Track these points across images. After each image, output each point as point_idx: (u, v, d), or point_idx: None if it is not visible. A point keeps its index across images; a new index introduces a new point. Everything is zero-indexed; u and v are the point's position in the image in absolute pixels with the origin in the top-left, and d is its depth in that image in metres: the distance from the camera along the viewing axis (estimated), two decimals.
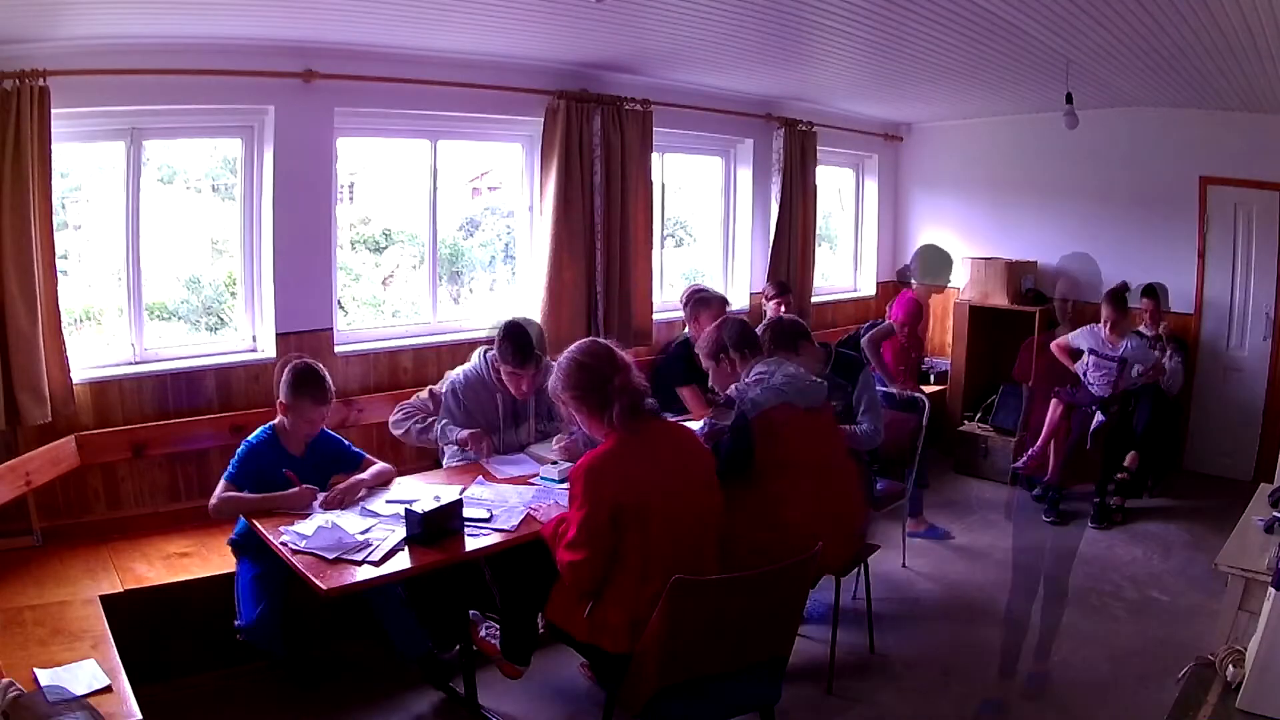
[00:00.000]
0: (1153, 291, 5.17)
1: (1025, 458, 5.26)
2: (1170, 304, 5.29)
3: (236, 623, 2.83)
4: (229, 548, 3.01)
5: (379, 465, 3.12)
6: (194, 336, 3.98)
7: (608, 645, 2.35)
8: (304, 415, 2.95)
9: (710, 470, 2.54)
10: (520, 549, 2.69)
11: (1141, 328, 5.24)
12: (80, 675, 2.31)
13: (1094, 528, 4.70)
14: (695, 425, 3.13)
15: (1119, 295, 5.12)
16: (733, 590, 2.26)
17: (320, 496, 2.87)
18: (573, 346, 2.52)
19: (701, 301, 4.57)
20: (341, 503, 2.86)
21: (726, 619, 2.24)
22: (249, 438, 2.99)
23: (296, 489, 2.86)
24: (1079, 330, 5.28)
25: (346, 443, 3.16)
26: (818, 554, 2.33)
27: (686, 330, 4.57)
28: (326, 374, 3.01)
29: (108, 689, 2.26)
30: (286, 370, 2.98)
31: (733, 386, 2.98)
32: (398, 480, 3.12)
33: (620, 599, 2.32)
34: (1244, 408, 5.44)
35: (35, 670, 2.33)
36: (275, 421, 3.01)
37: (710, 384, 3.24)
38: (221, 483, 2.89)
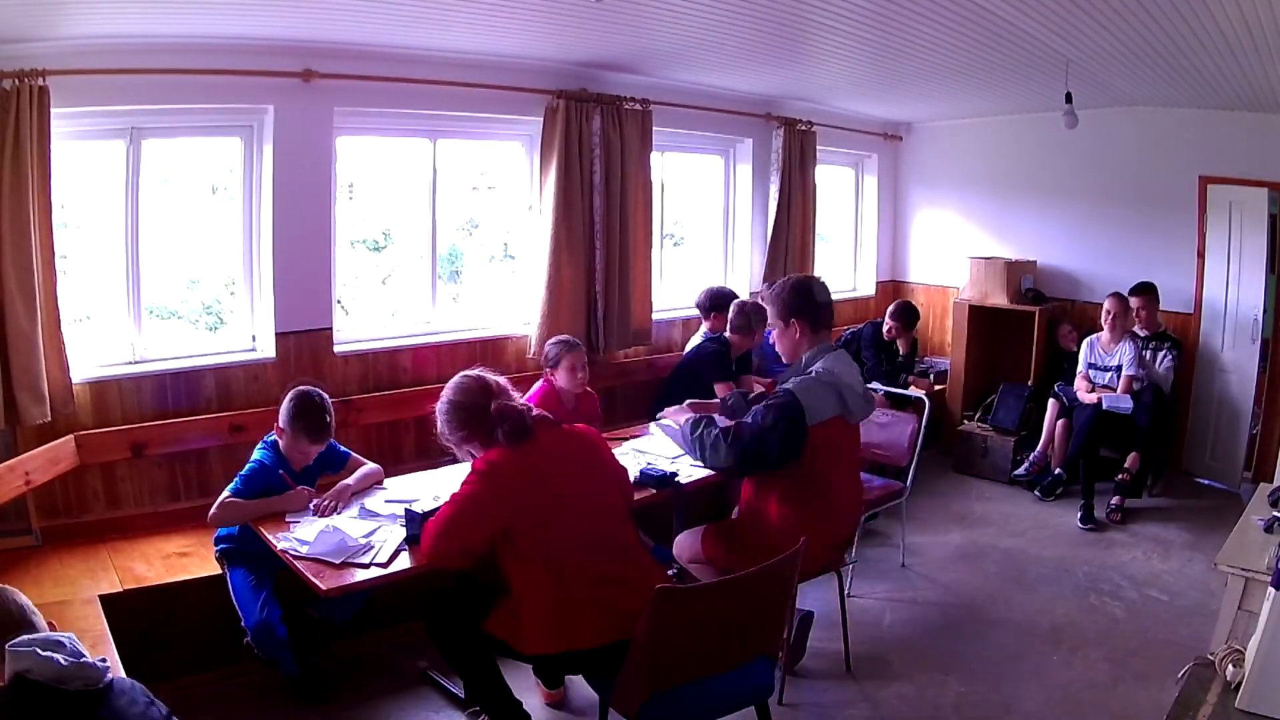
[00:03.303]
0: (1146, 289, 5.18)
1: (1027, 464, 5.27)
2: (1160, 302, 5.28)
3: (244, 626, 2.82)
4: (217, 560, 3.01)
5: (366, 467, 3.12)
6: (193, 336, 3.97)
7: (520, 647, 2.34)
8: (298, 447, 2.97)
9: (615, 466, 2.58)
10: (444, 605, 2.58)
11: (1135, 328, 5.24)
12: None
13: (1081, 528, 4.69)
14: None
15: (1123, 295, 5.15)
16: (718, 594, 2.24)
17: (312, 504, 2.88)
18: (446, 387, 2.49)
19: (724, 303, 4.63)
20: (334, 509, 2.86)
21: (713, 623, 2.22)
22: (256, 455, 2.98)
23: (294, 490, 2.88)
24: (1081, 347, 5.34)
25: (335, 444, 3.16)
26: (801, 551, 2.31)
27: (703, 327, 4.71)
28: (329, 406, 3.00)
29: None
30: (289, 396, 2.97)
31: (792, 381, 2.80)
32: (390, 481, 3.12)
33: (535, 604, 2.31)
34: (1231, 411, 5.33)
35: None
36: (280, 439, 3.01)
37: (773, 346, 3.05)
38: (225, 494, 2.89)
